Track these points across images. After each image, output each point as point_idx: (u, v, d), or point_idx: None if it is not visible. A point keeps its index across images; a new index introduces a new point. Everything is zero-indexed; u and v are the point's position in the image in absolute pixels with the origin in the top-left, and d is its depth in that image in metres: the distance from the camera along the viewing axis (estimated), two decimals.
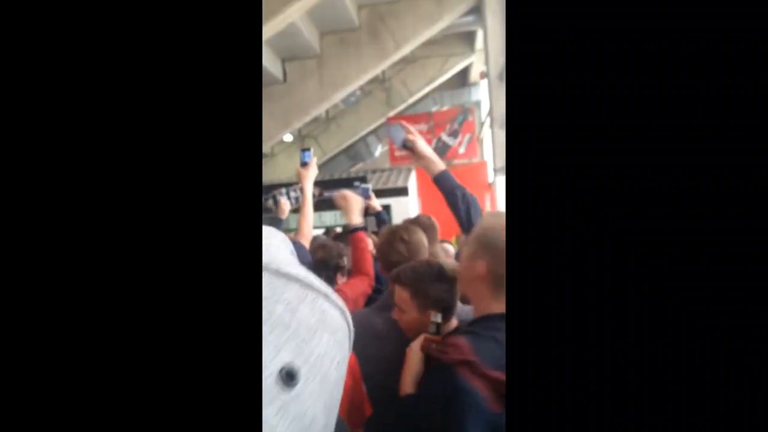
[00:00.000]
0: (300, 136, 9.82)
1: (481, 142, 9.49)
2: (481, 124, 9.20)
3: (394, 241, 1.26)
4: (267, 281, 0.34)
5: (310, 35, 6.13)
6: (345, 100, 9.23)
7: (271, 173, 8.05)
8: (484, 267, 0.84)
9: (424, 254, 1.26)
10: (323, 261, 1.49)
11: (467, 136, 9.09)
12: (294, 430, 0.30)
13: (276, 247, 0.41)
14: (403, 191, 7.38)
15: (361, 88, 8.53)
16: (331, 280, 1.35)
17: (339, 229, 3.35)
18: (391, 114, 9.42)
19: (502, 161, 6.07)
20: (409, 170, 8.19)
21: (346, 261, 1.52)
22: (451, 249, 2.43)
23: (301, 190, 1.64)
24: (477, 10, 6.55)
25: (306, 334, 0.33)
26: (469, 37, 8.76)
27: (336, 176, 8.03)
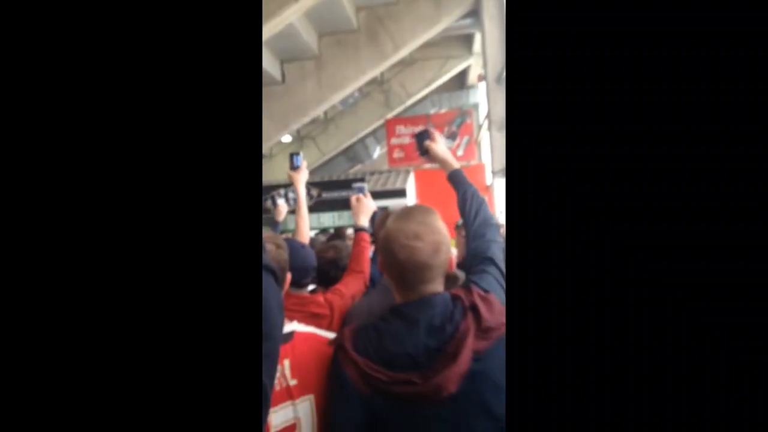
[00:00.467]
0: (299, 137, 9.83)
1: (479, 144, 9.52)
2: (479, 127, 9.23)
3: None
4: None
5: (308, 36, 6.14)
6: (343, 102, 9.25)
7: (269, 174, 8.06)
8: (381, 264, 0.95)
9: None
10: (334, 261, 1.54)
11: (465, 139, 9.11)
12: None
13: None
14: (401, 193, 7.38)
15: (360, 89, 8.55)
16: (338, 279, 1.41)
17: (332, 231, 3.36)
18: (390, 116, 9.44)
19: (500, 164, 6.08)
20: (407, 172, 8.21)
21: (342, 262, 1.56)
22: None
23: (296, 192, 1.71)
24: (475, 14, 6.58)
25: None
26: (467, 40, 8.79)
27: (335, 178, 8.04)
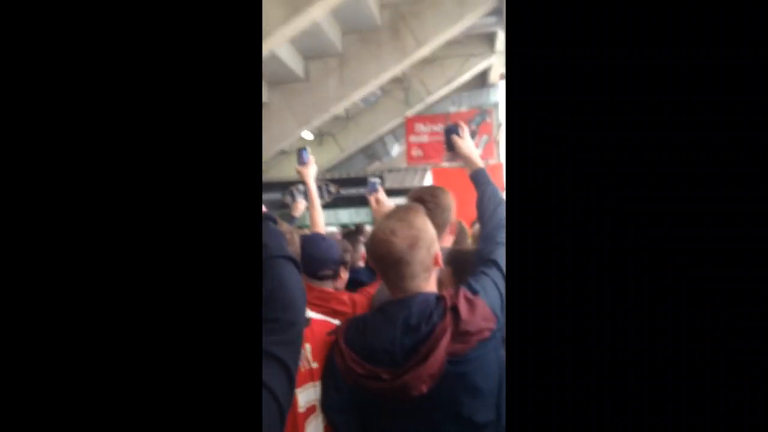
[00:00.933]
0: (319, 134, 9.90)
1: (498, 143, 9.42)
2: (499, 126, 9.14)
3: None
4: None
5: (332, 34, 6.19)
6: (364, 99, 9.27)
7: (290, 170, 8.16)
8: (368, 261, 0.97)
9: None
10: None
11: (485, 138, 9.03)
12: None
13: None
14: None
15: (381, 87, 8.56)
16: (336, 274, 1.40)
17: (353, 227, 3.40)
18: (409, 114, 9.43)
19: None
20: (425, 170, 8.19)
21: (349, 257, 1.59)
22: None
23: (307, 186, 1.73)
24: (498, 12, 6.51)
25: None
26: (489, 38, 8.70)
27: (353, 175, 8.08)
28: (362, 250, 2.41)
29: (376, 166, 11.41)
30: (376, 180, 1.76)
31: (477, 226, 1.61)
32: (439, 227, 1.21)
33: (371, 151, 11.41)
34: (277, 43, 4.92)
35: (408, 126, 9.18)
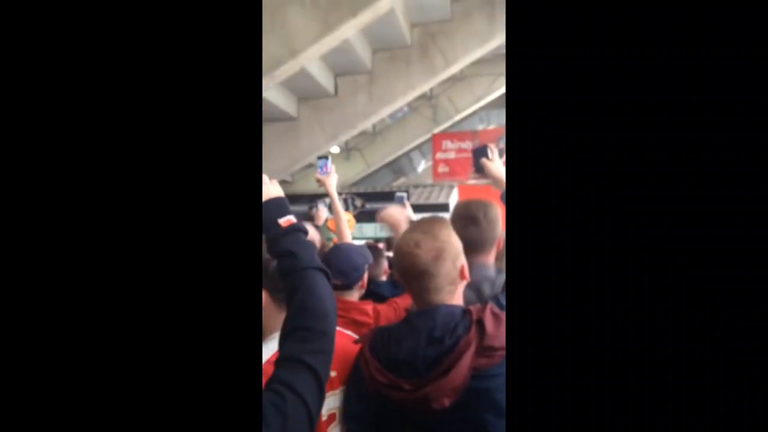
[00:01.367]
0: (346, 148, 10.04)
1: None
2: None
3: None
4: None
5: (363, 52, 6.32)
6: (392, 116, 9.37)
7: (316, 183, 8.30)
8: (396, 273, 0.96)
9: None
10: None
11: None
12: None
13: None
14: (444, 207, 7.35)
15: (409, 104, 8.64)
16: (358, 280, 1.41)
17: (381, 245, 3.38)
18: (437, 131, 9.46)
19: None
20: (451, 187, 8.16)
21: (369, 263, 1.58)
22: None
23: (330, 196, 1.65)
24: None
25: None
26: None
27: (378, 189, 8.12)
28: (385, 264, 2.39)
29: (401, 181, 11.45)
30: (404, 194, 1.73)
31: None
32: (488, 242, 1.19)
33: (397, 167, 11.47)
34: (309, 60, 5.05)
35: (435, 142, 9.20)
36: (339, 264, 1.35)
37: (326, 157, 1.67)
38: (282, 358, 0.69)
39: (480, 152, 1.26)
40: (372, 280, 2.06)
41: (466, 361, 0.79)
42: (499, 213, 1.26)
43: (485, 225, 1.19)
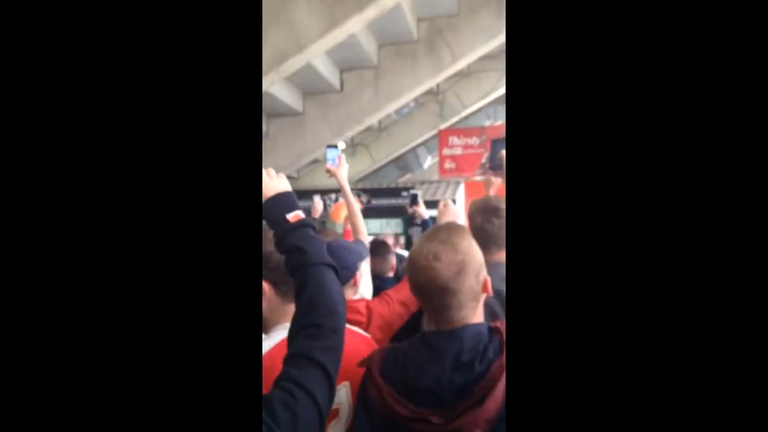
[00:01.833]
0: (352, 144, 10.03)
1: None
2: None
3: None
4: None
5: (369, 46, 6.29)
6: (398, 111, 9.34)
7: (322, 178, 8.29)
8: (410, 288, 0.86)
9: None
10: None
11: None
12: None
13: None
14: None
15: (415, 99, 8.60)
16: (349, 278, 1.37)
17: (391, 239, 3.35)
18: (443, 126, 9.41)
19: None
20: (457, 183, 8.13)
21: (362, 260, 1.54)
22: None
23: (342, 188, 1.53)
24: None
25: None
26: None
27: (384, 185, 8.12)
28: (392, 260, 2.38)
29: (407, 177, 11.43)
30: (417, 192, 1.64)
31: None
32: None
33: (403, 163, 11.45)
34: (314, 55, 5.03)
35: (441, 138, 9.16)
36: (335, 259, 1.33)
37: (336, 147, 1.56)
38: (292, 356, 0.68)
39: (499, 144, 1.12)
40: (378, 276, 2.04)
41: (501, 387, 0.72)
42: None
43: (504, 225, 1.15)
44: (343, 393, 0.95)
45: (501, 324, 0.79)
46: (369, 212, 6.59)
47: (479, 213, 1.18)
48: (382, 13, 4.75)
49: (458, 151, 8.93)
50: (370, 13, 4.52)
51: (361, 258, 1.39)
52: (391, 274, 2.31)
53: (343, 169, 1.52)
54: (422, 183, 8.68)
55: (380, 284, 1.68)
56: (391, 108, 7.33)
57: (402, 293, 1.39)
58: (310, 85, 6.66)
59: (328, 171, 1.53)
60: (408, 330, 1.40)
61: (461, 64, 6.77)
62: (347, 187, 1.51)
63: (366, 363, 0.85)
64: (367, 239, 1.52)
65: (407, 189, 7.66)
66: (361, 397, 0.85)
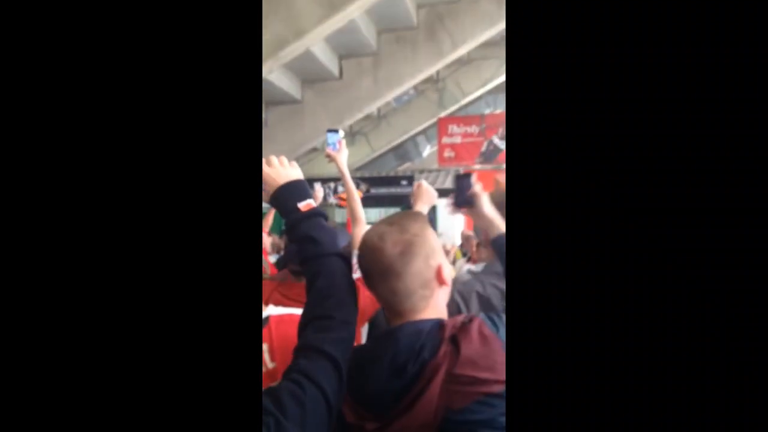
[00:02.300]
0: (351, 132, 9.98)
1: None
2: None
3: None
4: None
5: (368, 33, 6.21)
6: (398, 99, 9.27)
7: (321, 167, 8.27)
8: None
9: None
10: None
11: None
12: None
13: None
14: (448, 193, 7.34)
15: (415, 87, 8.53)
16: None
17: None
18: (443, 115, 9.36)
19: None
20: (456, 172, 8.12)
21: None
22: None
23: (341, 174, 1.47)
24: None
25: None
26: None
27: (383, 174, 8.10)
28: None
29: (406, 166, 11.40)
30: (338, 133, 1.53)
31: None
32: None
33: (402, 151, 11.41)
34: (313, 41, 4.97)
35: (441, 127, 9.12)
36: (291, 249, 1.32)
37: (337, 131, 1.49)
38: (302, 347, 0.67)
39: (464, 183, 0.94)
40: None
41: (434, 391, 0.63)
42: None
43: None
44: None
45: (451, 321, 0.70)
46: (368, 201, 6.58)
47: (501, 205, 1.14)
48: None
49: (458, 140, 8.89)
50: None
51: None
52: None
53: (343, 155, 1.48)
54: (421, 172, 8.66)
55: None
56: (390, 96, 7.28)
57: None
58: (308, 73, 6.59)
59: (328, 156, 1.48)
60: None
61: (461, 51, 6.71)
62: (347, 173, 1.47)
63: None
64: (364, 227, 1.48)
65: (407, 178, 7.64)
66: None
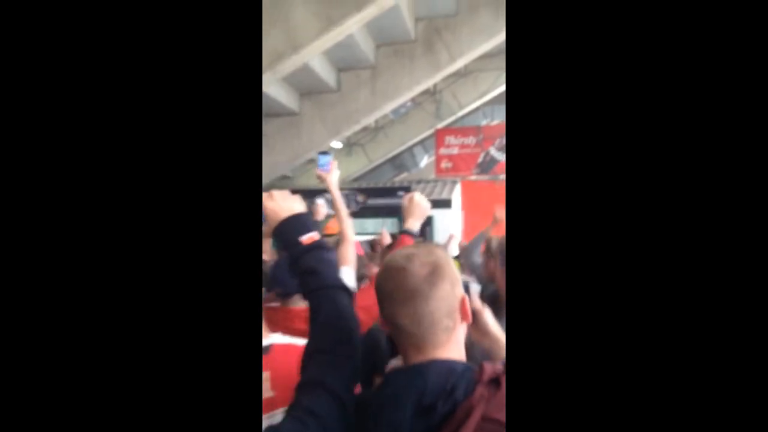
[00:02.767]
0: (348, 144, 10.02)
1: None
2: None
3: None
4: None
5: (366, 46, 6.28)
6: (395, 111, 9.34)
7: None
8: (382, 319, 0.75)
9: None
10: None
11: None
12: None
13: None
14: (446, 203, 7.34)
15: (412, 99, 8.60)
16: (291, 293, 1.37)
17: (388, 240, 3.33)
18: (440, 126, 9.42)
19: None
20: (453, 183, 8.14)
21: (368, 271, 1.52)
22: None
23: (331, 194, 1.53)
24: None
25: None
26: None
27: (380, 185, 8.12)
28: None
29: (404, 176, 11.43)
30: (328, 156, 1.58)
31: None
32: None
33: (399, 162, 11.45)
34: (311, 55, 5.02)
35: (438, 138, 9.17)
36: (274, 273, 1.30)
37: (328, 153, 1.58)
38: (305, 383, 0.67)
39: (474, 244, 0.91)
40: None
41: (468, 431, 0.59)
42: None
43: None
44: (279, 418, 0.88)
45: (489, 366, 0.64)
46: (366, 212, 6.59)
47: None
48: (380, 13, 4.74)
49: (455, 151, 8.94)
50: (367, 12, 4.51)
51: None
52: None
53: (334, 176, 1.54)
54: (418, 182, 8.68)
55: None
56: (388, 108, 7.32)
57: (366, 298, 1.24)
58: (306, 85, 6.64)
59: (319, 177, 1.55)
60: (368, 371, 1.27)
61: (459, 64, 6.78)
62: (338, 194, 1.52)
63: None
64: (353, 247, 1.51)
65: (404, 188, 7.66)
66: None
